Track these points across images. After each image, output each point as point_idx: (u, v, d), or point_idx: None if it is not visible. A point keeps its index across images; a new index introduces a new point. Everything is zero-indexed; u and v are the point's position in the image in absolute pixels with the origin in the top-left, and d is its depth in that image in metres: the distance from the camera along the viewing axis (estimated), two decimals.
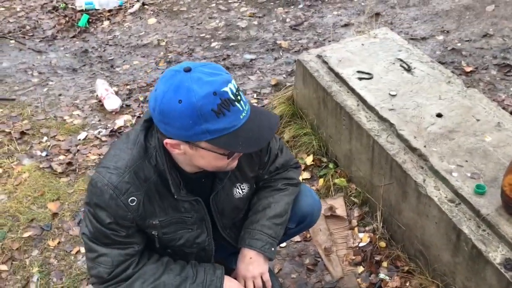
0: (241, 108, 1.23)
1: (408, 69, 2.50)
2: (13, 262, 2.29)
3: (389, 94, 2.34)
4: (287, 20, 4.28)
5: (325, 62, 2.66)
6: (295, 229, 1.81)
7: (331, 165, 2.66)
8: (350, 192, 2.52)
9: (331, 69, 2.60)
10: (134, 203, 1.37)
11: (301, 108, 2.92)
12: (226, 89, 1.19)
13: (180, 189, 1.41)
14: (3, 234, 2.41)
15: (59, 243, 2.38)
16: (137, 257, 1.49)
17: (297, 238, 2.36)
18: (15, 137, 3.07)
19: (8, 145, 3.00)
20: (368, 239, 2.30)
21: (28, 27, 4.62)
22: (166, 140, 1.26)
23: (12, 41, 4.40)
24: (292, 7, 4.46)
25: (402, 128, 2.14)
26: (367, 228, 2.37)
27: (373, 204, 2.36)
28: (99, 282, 1.48)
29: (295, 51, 3.78)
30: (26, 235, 2.41)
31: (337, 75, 2.55)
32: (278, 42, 3.98)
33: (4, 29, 4.59)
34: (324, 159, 2.72)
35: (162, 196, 1.42)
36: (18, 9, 4.95)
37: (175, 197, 1.39)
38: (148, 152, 1.37)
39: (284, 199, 1.69)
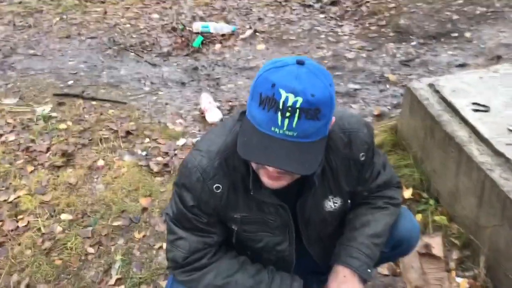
0: (279, 123, 1.08)
1: None
2: (100, 247, 2.36)
3: (508, 129, 2.13)
4: (398, 55, 4.16)
5: (436, 91, 2.50)
6: (388, 254, 1.65)
7: (431, 202, 2.46)
8: (451, 232, 2.29)
9: (442, 98, 2.44)
10: (219, 191, 1.33)
11: (405, 138, 2.76)
12: (285, 94, 1.06)
13: (260, 187, 1.33)
14: (95, 220, 2.50)
15: (144, 236, 2.42)
16: (215, 248, 1.44)
17: (385, 271, 2.18)
18: (120, 135, 3.23)
19: (113, 141, 3.16)
20: (468, 286, 2.06)
21: (147, 43, 4.94)
22: None
23: (132, 54, 4.72)
24: (404, 43, 4.33)
25: None
26: (466, 274, 2.12)
27: (476, 248, 2.12)
28: (173, 267, 1.45)
29: (403, 85, 3.63)
30: (115, 224, 2.48)
31: (449, 104, 2.38)
32: (385, 75, 3.86)
33: (127, 42, 4.94)
34: (425, 195, 2.52)
35: (248, 191, 1.36)
36: (141, 27, 5.33)
37: (251, 193, 1.33)
38: None
39: (385, 219, 1.55)
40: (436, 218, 2.35)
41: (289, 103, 1.05)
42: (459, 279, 2.10)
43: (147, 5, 5.97)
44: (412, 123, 2.66)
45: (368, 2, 5.14)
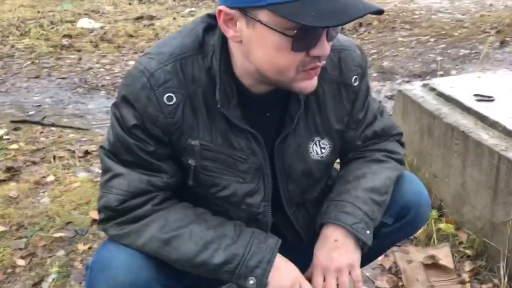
0: None
1: None
2: (33, 259, 1.91)
3: None
4: (383, 91, 3.97)
5: (432, 89, 2.24)
6: (393, 227, 1.26)
7: (434, 212, 2.08)
8: (460, 242, 1.92)
9: (440, 94, 2.17)
10: (171, 103, 0.99)
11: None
12: None
13: (230, 104, 1.01)
14: (32, 231, 2.07)
15: (90, 248, 1.99)
16: (163, 193, 1.06)
17: (384, 283, 1.77)
18: (78, 155, 2.86)
19: (68, 160, 2.78)
20: None
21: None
22: (220, 7, 0.91)
23: (103, 92, 4.46)
24: (389, 81, 4.17)
25: None
26: (484, 286, 1.72)
27: (493, 254, 1.74)
28: (105, 218, 1.06)
29: (390, 115, 3.40)
30: (57, 235, 2.05)
31: (447, 98, 2.11)
32: None
33: (99, 83, 4.71)
34: None
35: (211, 113, 1.03)
36: (116, 71, 5.13)
37: (218, 106, 0.99)
38: (204, 48, 1.02)
39: (385, 173, 1.21)
40: (442, 225, 1.97)
41: None
42: None
43: (124, 54, 5.83)
44: (405, 129, 2.34)
45: None
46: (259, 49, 0.93)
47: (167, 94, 0.99)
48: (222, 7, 0.91)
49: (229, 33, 0.95)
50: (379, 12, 0.87)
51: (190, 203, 1.10)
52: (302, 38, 0.88)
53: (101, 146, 1.08)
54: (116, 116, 1.02)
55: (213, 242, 1.01)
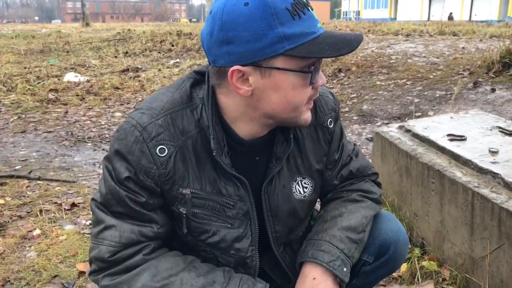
0: (315, 17, 0.98)
1: (511, 134, 2.11)
2: None
3: (490, 150, 1.94)
4: (363, 134, 4.08)
5: (408, 131, 2.34)
6: (374, 265, 1.31)
7: (416, 250, 2.13)
8: (443, 279, 1.95)
9: (415, 135, 2.26)
10: (163, 155, 1.04)
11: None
12: None
13: (222, 152, 1.08)
14: (18, 287, 2.05)
15: None
16: (154, 243, 1.10)
17: None
18: (64, 208, 2.87)
19: (55, 213, 2.78)
20: None
21: (107, 135, 4.77)
22: (233, 68, 0.97)
23: (90, 144, 4.51)
24: (369, 124, 4.29)
25: (511, 177, 1.69)
26: None
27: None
28: (97, 270, 1.08)
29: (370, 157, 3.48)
30: None
31: (422, 139, 2.20)
32: None
33: (85, 135, 4.76)
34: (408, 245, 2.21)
35: (200, 162, 1.08)
36: (102, 123, 5.20)
37: (214, 154, 1.05)
38: (192, 101, 1.09)
39: (361, 212, 1.27)
40: (424, 263, 2.01)
41: None
42: None
43: (110, 106, 5.93)
44: (385, 170, 2.45)
45: None
46: (274, 94, 1.00)
47: (160, 147, 1.04)
48: (235, 67, 0.96)
49: (241, 90, 1.00)
50: (362, 39, 1.01)
51: (179, 250, 1.14)
52: (315, 72, 1.00)
53: (92, 199, 1.12)
54: (109, 169, 1.07)
55: None
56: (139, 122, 1.04)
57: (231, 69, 0.97)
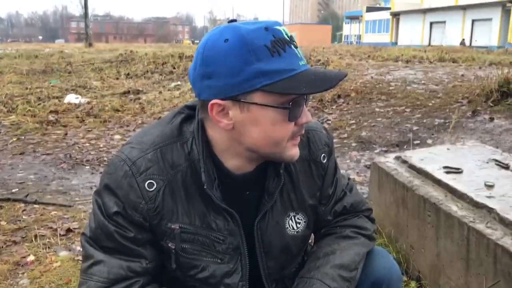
0: (299, 55, 0.98)
1: (507, 167, 2.11)
2: None
3: (485, 184, 1.93)
4: (362, 161, 4.08)
5: (404, 162, 2.34)
6: None
7: (412, 284, 2.11)
8: None
9: (412, 167, 2.26)
10: (152, 189, 1.04)
11: (376, 221, 2.50)
12: (280, 28, 0.98)
13: (213, 186, 1.08)
14: None
15: None
16: (143, 279, 1.09)
17: None
18: (59, 233, 2.85)
19: (50, 238, 2.77)
20: None
21: (105, 158, 4.77)
22: (213, 101, 0.99)
23: (88, 167, 4.51)
24: (368, 151, 4.29)
25: (507, 212, 1.68)
26: None
27: None
28: None
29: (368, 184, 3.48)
30: None
31: (419, 170, 2.20)
32: (351, 176, 3.72)
33: (84, 158, 4.76)
34: (404, 278, 2.19)
35: (189, 196, 1.08)
36: (101, 145, 5.21)
37: (205, 187, 1.05)
38: (183, 135, 1.10)
39: (354, 249, 1.25)
40: None
41: (288, 35, 0.99)
42: None
43: (110, 128, 5.94)
44: (382, 201, 2.44)
45: (330, 120, 5.23)
46: (254, 129, 1.01)
47: (148, 181, 1.04)
48: (215, 101, 0.99)
49: (222, 123, 1.02)
50: (345, 76, 1.02)
51: (169, 286, 1.13)
52: (294, 108, 0.99)
53: (82, 233, 1.11)
54: (98, 204, 1.07)
55: None
56: (128, 157, 1.05)
57: (211, 102, 0.99)
